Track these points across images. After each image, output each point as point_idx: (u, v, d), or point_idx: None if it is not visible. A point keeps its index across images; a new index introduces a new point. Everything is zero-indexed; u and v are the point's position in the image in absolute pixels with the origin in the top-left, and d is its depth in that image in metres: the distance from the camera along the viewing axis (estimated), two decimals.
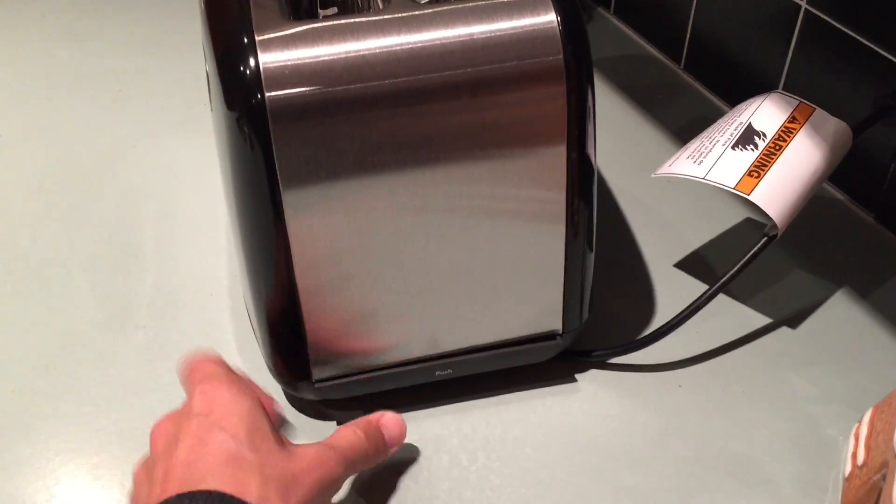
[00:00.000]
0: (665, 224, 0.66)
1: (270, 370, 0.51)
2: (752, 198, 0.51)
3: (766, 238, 0.52)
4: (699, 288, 0.59)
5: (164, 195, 0.69)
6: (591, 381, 0.55)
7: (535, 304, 0.51)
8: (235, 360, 0.55)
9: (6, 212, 0.67)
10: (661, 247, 0.64)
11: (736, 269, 0.52)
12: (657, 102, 0.79)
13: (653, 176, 0.57)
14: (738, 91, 0.70)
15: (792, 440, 0.51)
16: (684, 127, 0.76)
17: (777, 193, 0.51)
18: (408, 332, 0.50)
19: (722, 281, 0.52)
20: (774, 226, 0.51)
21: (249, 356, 0.55)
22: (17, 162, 0.73)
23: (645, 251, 0.64)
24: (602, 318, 0.57)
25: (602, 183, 0.70)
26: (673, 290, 0.61)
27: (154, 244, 0.64)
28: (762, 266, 0.62)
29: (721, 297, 0.60)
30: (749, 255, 0.52)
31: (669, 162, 0.56)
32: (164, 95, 0.80)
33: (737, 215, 0.67)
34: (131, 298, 0.60)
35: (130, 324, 0.58)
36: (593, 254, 0.52)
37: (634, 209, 0.68)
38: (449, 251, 0.48)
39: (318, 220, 0.45)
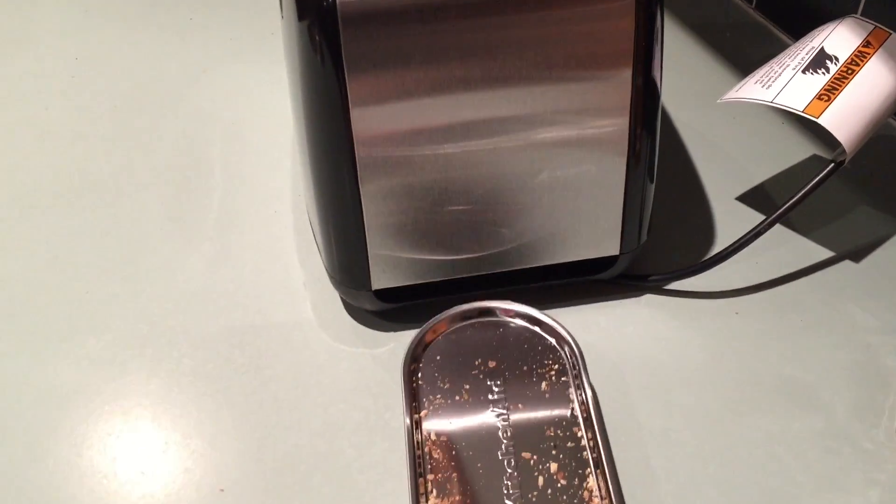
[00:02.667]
0: (729, 159, 0.66)
1: (331, 279, 0.52)
2: (820, 121, 0.50)
3: (833, 164, 0.51)
4: (760, 219, 0.58)
5: (232, 118, 0.71)
6: (646, 306, 0.55)
7: (594, 225, 0.51)
8: (297, 273, 0.57)
9: (83, 131, 0.70)
10: (724, 180, 0.64)
11: (801, 194, 0.51)
12: (726, 41, 0.78)
13: (719, 101, 0.56)
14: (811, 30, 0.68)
15: (848, 368, 0.51)
16: (753, 64, 0.74)
17: (847, 118, 0.50)
18: (467, 247, 0.51)
19: (786, 206, 0.51)
20: (843, 151, 0.50)
21: (311, 269, 0.57)
22: (93, 84, 0.75)
23: (707, 184, 0.63)
24: (661, 246, 0.57)
25: (666, 116, 0.69)
26: (734, 221, 0.60)
27: (221, 164, 0.66)
28: (827, 200, 0.61)
29: (783, 230, 0.59)
30: (815, 181, 0.51)
31: (736, 88, 0.55)
32: (232, 25, 0.82)
33: (804, 151, 0.66)
34: (199, 213, 0.62)
35: (198, 236, 0.60)
36: (654, 179, 0.52)
37: (699, 144, 0.67)
38: (511, 168, 0.48)
39: (383, 129, 0.46)
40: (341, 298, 0.55)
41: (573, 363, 0.48)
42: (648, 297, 0.55)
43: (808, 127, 0.67)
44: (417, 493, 0.43)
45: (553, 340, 0.50)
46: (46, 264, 0.58)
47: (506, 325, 0.51)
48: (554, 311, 0.54)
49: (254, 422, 0.49)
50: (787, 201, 0.52)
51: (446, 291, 0.53)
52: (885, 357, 0.51)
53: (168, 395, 0.50)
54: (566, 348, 0.49)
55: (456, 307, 0.51)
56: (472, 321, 0.51)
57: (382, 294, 0.51)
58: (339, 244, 0.50)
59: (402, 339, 0.53)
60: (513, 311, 0.51)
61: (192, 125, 0.70)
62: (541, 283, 0.54)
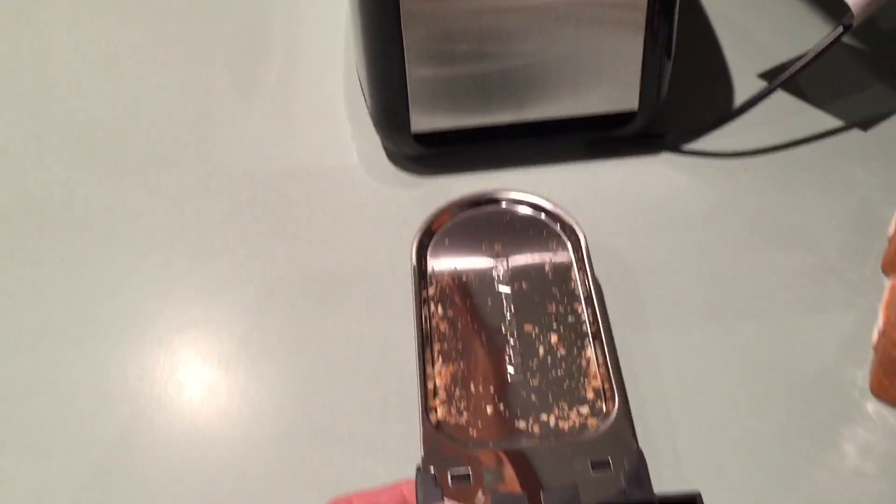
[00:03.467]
0: (753, 40, 0.69)
1: (375, 124, 0.58)
2: None
3: (841, 28, 0.55)
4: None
5: None
6: (662, 163, 0.60)
7: (614, 79, 0.56)
8: (346, 127, 0.63)
9: (152, 5, 0.76)
10: (746, 58, 0.67)
11: (812, 55, 0.55)
12: None
13: None
14: None
15: (845, 216, 0.55)
16: None
17: None
18: (498, 95, 0.56)
19: (798, 66, 0.55)
20: (851, 15, 0.54)
21: (358, 124, 0.63)
22: None
23: (731, 61, 0.67)
24: (679, 111, 0.62)
25: (693, 1, 0.73)
26: (753, 91, 0.64)
27: (281, 34, 0.72)
28: (840, 74, 0.64)
29: (797, 101, 0.63)
30: (826, 43, 0.55)
31: None
32: None
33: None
34: (260, 76, 0.68)
35: (259, 95, 0.67)
36: (673, 37, 0.56)
37: (723, 26, 0.70)
38: (539, 20, 0.53)
39: None
40: (383, 147, 0.61)
41: (577, 248, 0.50)
42: (665, 156, 0.60)
43: (833, 13, 0.70)
44: (424, 361, 0.45)
45: (558, 227, 0.52)
46: (130, 113, 0.66)
47: (513, 212, 0.53)
48: (575, 165, 0.59)
49: (303, 243, 0.56)
50: (799, 63, 0.56)
51: (478, 139, 0.58)
52: (881, 209, 0.55)
53: (230, 219, 0.57)
54: (570, 234, 0.51)
55: (465, 194, 0.53)
56: (481, 208, 0.53)
57: (420, 138, 0.57)
58: (382, 89, 0.56)
59: (438, 184, 0.59)
60: (520, 199, 0.53)
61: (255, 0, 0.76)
62: (565, 134, 0.59)
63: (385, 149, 0.61)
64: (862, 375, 0.47)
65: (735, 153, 0.60)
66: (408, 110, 0.56)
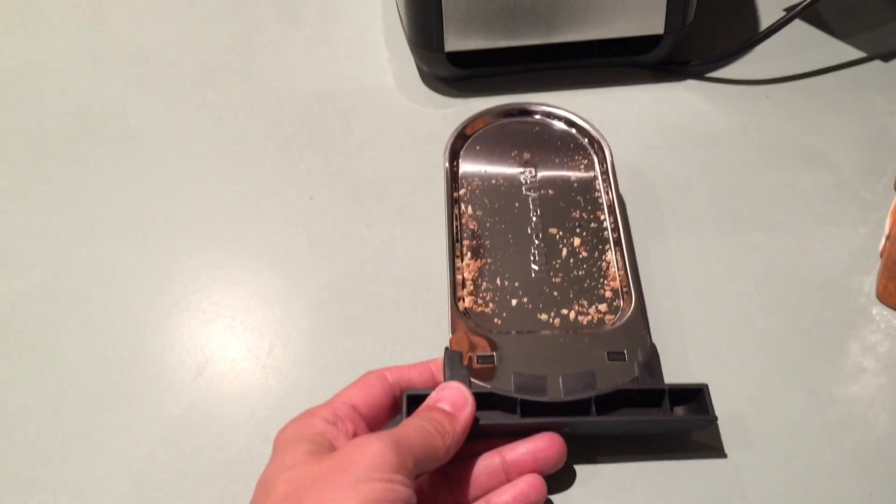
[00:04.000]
0: None
1: (410, 44, 0.61)
2: None
3: None
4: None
5: None
6: (686, 89, 0.62)
7: (641, 5, 0.58)
8: (382, 51, 0.66)
9: None
10: None
11: None
12: None
13: None
14: None
15: (860, 139, 0.57)
16: None
17: None
18: (527, 17, 0.58)
19: None
20: None
21: (393, 48, 0.66)
22: None
23: None
24: (704, 39, 0.64)
25: None
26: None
27: None
28: (862, 6, 0.66)
29: (821, 34, 0.65)
30: None
31: None
32: None
33: None
34: (302, 3, 0.71)
35: (299, 22, 0.70)
36: None
37: None
38: None
39: None
40: (418, 69, 0.64)
41: (602, 161, 0.53)
42: (689, 82, 0.62)
43: None
44: (454, 256, 0.49)
45: (586, 141, 0.54)
46: (178, 37, 0.69)
47: (543, 123, 0.55)
48: (601, 90, 0.62)
49: (339, 154, 0.59)
50: None
51: (507, 62, 0.61)
52: None
53: (271, 133, 0.60)
54: (597, 147, 0.53)
55: (498, 105, 0.56)
56: (512, 119, 0.56)
57: (453, 58, 0.60)
58: (419, 10, 0.58)
59: (468, 105, 0.61)
60: (550, 111, 0.55)
61: None
62: (594, 59, 0.61)
63: (419, 71, 0.64)
64: (869, 282, 0.49)
65: (757, 80, 0.62)
66: (442, 31, 0.58)
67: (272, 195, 0.56)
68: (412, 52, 0.62)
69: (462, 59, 0.60)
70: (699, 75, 0.62)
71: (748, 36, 0.63)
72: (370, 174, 0.57)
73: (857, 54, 0.63)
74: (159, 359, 0.48)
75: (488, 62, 0.61)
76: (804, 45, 0.63)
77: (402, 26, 0.62)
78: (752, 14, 0.67)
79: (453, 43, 0.59)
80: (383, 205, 0.55)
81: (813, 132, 0.58)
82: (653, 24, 0.59)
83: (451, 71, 0.61)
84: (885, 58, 0.63)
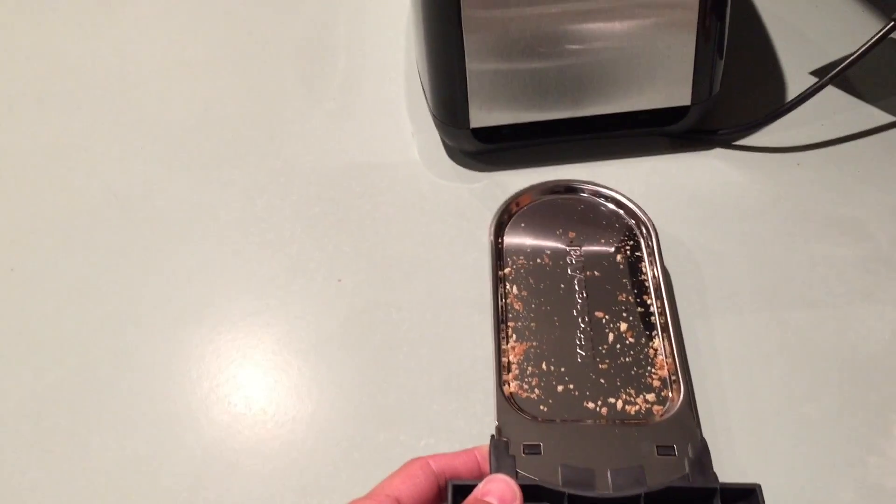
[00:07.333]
0: (806, 39, 0.70)
1: (435, 120, 0.61)
2: None
3: (892, 23, 0.56)
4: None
5: (356, 2, 0.80)
6: (715, 158, 0.61)
7: (668, 75, 0.58)
8: (406, 126, 0.66)
9: (222, 12, 0.80)
10: (799, 57, 0.68)
11: (863, 48, 0.56)
12: None
13: None
14: None
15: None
16: None
17: None
18: (553, 92, 0.58)
19: (849, 60, 0.56)
20: None
21: (419, 123, 0.66)
22: None
23: (782, 59, 0.68)
24: (731, 108, 0.63)
25: (746, 1, 0.74)
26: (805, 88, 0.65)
27: (345, 40, 0.75)
28: (890, 69, 0.65)
29: (850, 98, 0.64)
30: (876, 37, 0.56)
31: None
32: None
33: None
34: (325, 78, 0.71)
35: (323, 97, 0.70)
36: (725, 33, 0.58)
37: (777, 25, 0.71)
38: (593, 18, 0.55)
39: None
40: (443, 143, 0.63)
41: (648, 242, 0.52)
42: (717, 151, 0.62)
43: (885, 10, 0.71)
44: (499, 337, 0.48)
45: (632, 221, 0.54)
46: (203, 114, 0.69)
47: (588, 202, 0.55)
48: (629, 161, 0.61)
49: (367, 233, 0.58)
50: (849, 59, 0.57)
51: (534, 135, 0.60)
52: None
53: (298, 212, 0.60)
54: (643, 228, 0.53)
55: (543, 181, 0.56)
56: (557, 196, 0.56)
57: (479, 133, 0.60)
58: (443, 87, 0.58)
59: (495, 178, 0.61)
60: (596, 190, 0.55)
61: (321, 7, 0.79)
62: (620, 130, 0.61)
63: (444, 145, 0.63)
64: None
65: (786, 148, 0.61)
66: (467, 107, 0.58)
67: (300, 278, 0.56)
68: (437, 127, 0.62)
69: (487, 134, 0.60)
70: (728, 143, 0.62)
71: (776, 102, 0.63)
72: (399, 253, 0.57)
73: (888, 118, 0.62)
74: (189, 456, 0.48)
75: (514, 136, 0.61)
76: (833, 109, 0.63)
77: (427, 102, 0.62)
78: (777, 79, 0.66)
79: (479, 119, 0.59)
80: (412, 286, 0.55)
81: (847, 202, 0.57)
82: (679, 95, 0.59)
83: (476, 146, 0.61)
84: None
